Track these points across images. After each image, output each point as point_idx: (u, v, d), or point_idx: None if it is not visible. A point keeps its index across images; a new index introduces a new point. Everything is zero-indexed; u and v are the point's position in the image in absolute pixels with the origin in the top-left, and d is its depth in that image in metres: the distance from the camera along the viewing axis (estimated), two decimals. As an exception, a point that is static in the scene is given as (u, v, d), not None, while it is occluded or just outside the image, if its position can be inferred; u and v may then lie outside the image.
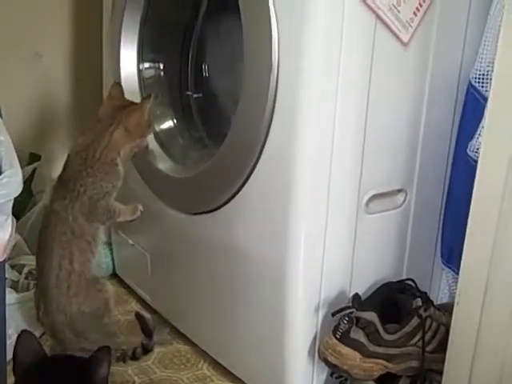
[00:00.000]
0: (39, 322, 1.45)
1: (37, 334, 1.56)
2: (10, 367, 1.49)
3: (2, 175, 1.09)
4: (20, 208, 1.93)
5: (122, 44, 1.67)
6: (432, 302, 1.35)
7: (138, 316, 1.52)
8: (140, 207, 1.49)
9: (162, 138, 1.66)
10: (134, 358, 1.50)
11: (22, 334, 1.07)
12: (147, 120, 1.45)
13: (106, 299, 1.44)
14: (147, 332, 1.49)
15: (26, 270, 1.77)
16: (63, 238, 1.39)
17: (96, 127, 1.44)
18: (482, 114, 1.25)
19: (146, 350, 1.50)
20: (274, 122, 1.25)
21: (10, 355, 1.52)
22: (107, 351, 1.06)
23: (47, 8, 2.10)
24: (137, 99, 1.54)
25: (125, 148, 1.43)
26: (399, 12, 1.22)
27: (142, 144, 1.52)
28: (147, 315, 1.54)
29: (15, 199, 1.15)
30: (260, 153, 1.30)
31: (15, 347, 1.05)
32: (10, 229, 1.12)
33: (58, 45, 2.16)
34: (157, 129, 1.68)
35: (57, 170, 2.15)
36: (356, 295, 1.32)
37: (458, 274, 1.19)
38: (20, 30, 2.04)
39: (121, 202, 1.46)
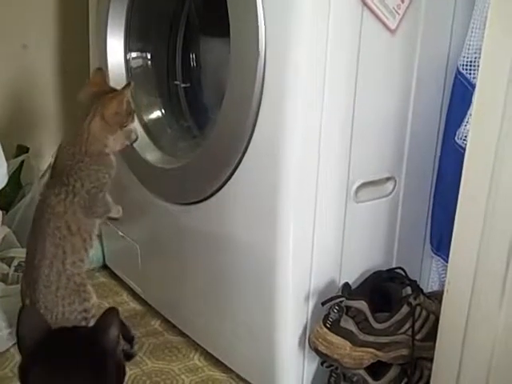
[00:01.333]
0: None
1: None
2: (1, 359, 1.51)
3: (-13, 168, 1.08)
4: (9, 200, 1.93)
5: (108, 34, 1.65)
6: (422, 290, 1.35)
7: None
8: (121, 209, 1.47)
9: (150, 128, 1.65)
10: None
11: (24, 311, 1.03)
12: (126, 109, 1.38)
13: (88, 308, 1.40)
14: (128, 338, 1.46)
15: (15, 263, 1.76)
16: (57, 234, 1.36)
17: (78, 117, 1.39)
18: (470, 101, 1.24)
19: (127, 357, 1.46)
20: (261, 111, 1.25)
21: (1, 348, 1.54)
22: (114, 313, 1.02)
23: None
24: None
25: (109, 140, 1.38)
26: (386, -1, 1.21)
27: (132, 137, 1.51)
28: (127, 322, 1.50)
29: (3, 191, 1.14)
30: (248, 142, 1.29)
31: (18, 324, 1.01)
32: (-4, 221, 1.11)
33: (45, 37, 2.15)
34: (145, 119, 1.67)
35: (45, 161, 2.15)
36: (346, 284, 1.32)
37: (447, 261, 1.19)
38: (6, 21, 2.03)
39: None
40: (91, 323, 1.39)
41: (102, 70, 1.47)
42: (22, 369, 1.01)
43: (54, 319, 1.37)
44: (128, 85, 1.40)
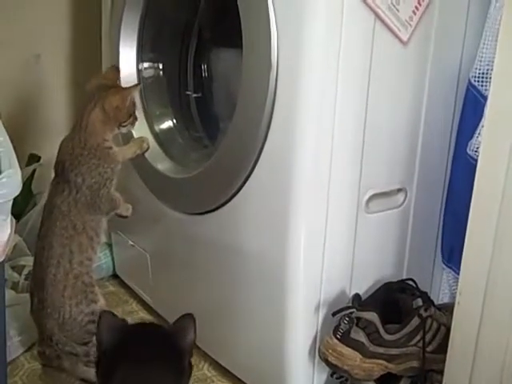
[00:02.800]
0: (32, 313, 1.43)
1: (34, 334, 1.56)
2: (11, 367, 1.51)
3: (2, 175, 1.08)
4: (20, 209, 1.94)
5: (121, 44, 1.67)
6: (433, 302, 1.35)
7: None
8: (131, 207, 1.47)
9: (162, 138, 1.66)
10: None
11: (103, 313, 1.03)
12: (128, 107, 1.38)
13: (95, 311, 1.38)
14: None
15: (25, 271, 1.77)
16: (64, 233, 1.36)
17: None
18: (482, 113, 1.25)
19: None
20: (273, 122, 1.25)
21: (11, 356, 1.54)
22: (192, 318, 1.04)
23: (46, 9, 2.11)
24: (136, 99, 1.53)
25: (107, 134, 1.37)
26: (398, 11, 1.21)
27: (143, 147, 1.51)
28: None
29: (15, 200, 1.14)
30: (259, 152, 1.29)
31: (98, 325, 1.01)
32: (9, 229, 1.11)
33: (58, 47, 2.16)
34: (156, 129, 1.68)
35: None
36: (356, 295, 1.32)
37: (458, 273, 1.19)
38: (19, 32, 2.04)
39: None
40: None
41: (118, 68, 1.46)
42: (102, 365, 1.01)
43: (62, 319, 1.36)
44: (136, 85, 1.41)
